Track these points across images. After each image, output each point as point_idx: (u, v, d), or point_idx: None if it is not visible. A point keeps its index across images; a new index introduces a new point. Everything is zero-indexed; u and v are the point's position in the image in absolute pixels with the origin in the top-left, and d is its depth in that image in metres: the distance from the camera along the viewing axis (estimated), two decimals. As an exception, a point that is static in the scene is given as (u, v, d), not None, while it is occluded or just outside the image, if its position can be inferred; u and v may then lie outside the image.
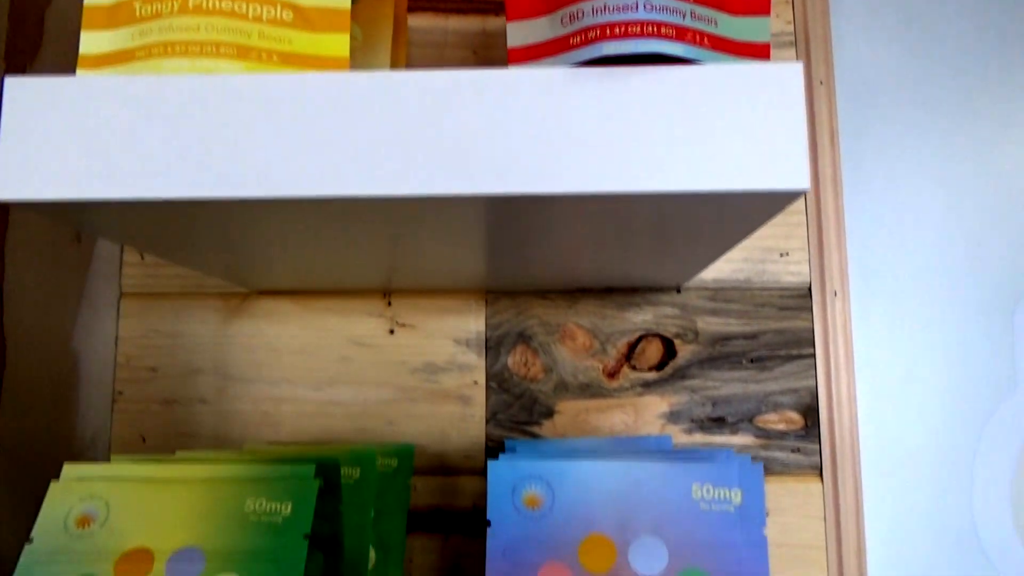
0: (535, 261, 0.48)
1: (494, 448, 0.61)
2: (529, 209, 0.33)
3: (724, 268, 0.62)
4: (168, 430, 0.61)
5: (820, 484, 0.60)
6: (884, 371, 0.64)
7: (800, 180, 0.30)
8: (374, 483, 0.50)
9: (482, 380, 0.61)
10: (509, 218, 0.35)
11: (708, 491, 0.34)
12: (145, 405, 0.61)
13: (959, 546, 0.62)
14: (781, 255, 0.63)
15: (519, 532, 0.35)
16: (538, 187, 0.30)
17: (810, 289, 0.62)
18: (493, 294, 0.62)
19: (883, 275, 0.65)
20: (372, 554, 0.55)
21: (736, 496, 0.34)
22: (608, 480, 0.35)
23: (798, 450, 0.60)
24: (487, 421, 0.61)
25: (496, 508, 0.36)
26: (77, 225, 0.36)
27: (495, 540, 0.35)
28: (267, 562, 0.34)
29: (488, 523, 0.36)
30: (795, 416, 0.61)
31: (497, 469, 0.36)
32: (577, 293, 0.62)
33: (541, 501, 0.35)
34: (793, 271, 0.63)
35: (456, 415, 0.61)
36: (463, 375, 0.61)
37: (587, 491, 0.35)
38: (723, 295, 0.62)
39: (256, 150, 0.31)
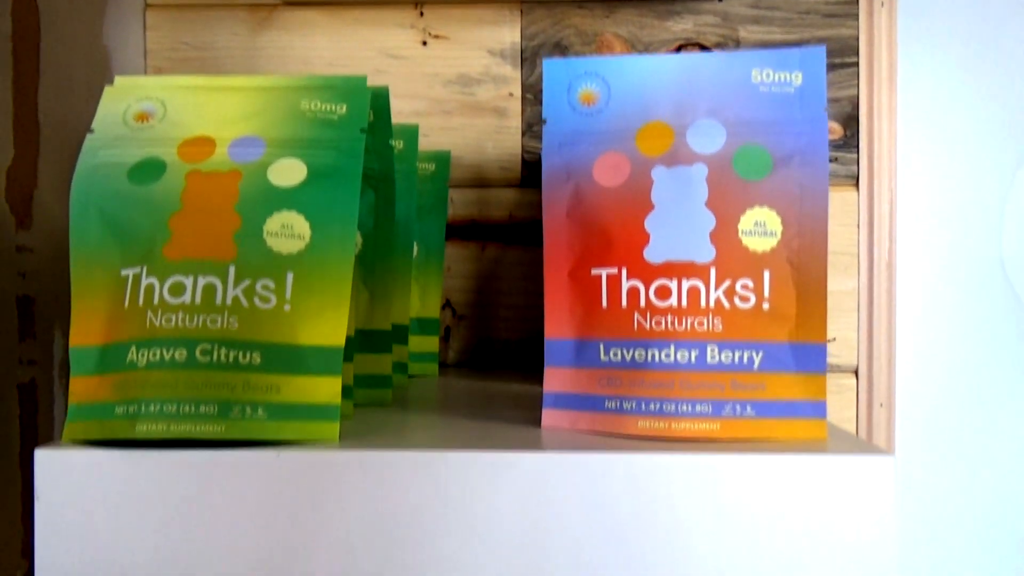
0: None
1: (530, 160, 0.61)
2: None
3: (768, -25, 0.60)
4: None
5: (856, 193, 0.60)
6: (926, 87, 0.63)
7: None
8: (415, 154, 0.50)
9: (518, 92, 0.61)
10: None
11: (768, 75, 0.34)
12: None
13: (986, 281, 0.63)
14: (828, -39, 0.60)
15: (575, 128, 0.35)
16: None
17: (857, -3, 0.60)
18: (528, 3, 0.60)
19: (932, -10, 0.63)
20: (415, 247, 0.56)
21: (797, 78, 0.34)
22: (666, 72, 0.35)
23: (836, 159, 0.60)
24: (523, 133, 0.61)
25: (551, 106, 0.36)
26: None
27: (551, 137, 0.35)
28: (327, 149, 0.34)
29: (544, 121, 0.36)
30: (835, 126, 0.60)
31: (552, 68, 0.36)
32: (615, 1, 0.60)
33: (596, 97, 0.35)
34: (840, -22, 0.60)
35: (491, 127, 0.61)
36: (498, 87, 0.61)
37: (644, 83, 0.35)
38: (766, 1, 0.60)
39: None
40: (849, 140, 0.60)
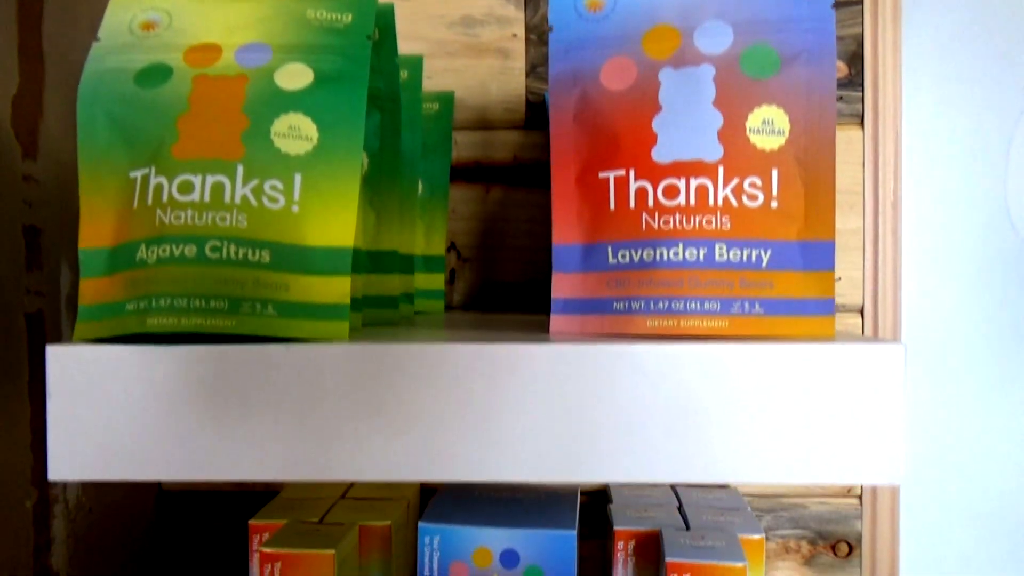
0: None
1: (535, 101, 0.61)
2: None
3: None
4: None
5: (861, 132, 0.60)
6: (931, 25, 0.63)
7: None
8: (420, 84, 0.50)
9: (521, 33, 0.60)
10: None
11: None
12: None
13: (990, 221, 0.63)
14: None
15: (581, 34, 0.35)
16: None
17: (861, -66, 0.60)
18: (531, -57, 0.60)
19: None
20: (420, 185, 0.57)
21: None
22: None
23: (840, 98, 0.60)
24: (527, 74, 0.61)
25: (558, 13, 0.36)
26: None
27: (557, 44, 0.35)
28: (333, 55, 0.34)
29: (550, 28, 0.36)
30: (839, 64, 0.60)
31: None
32: (618, -59, 0.60)
33: (602, 3, 0.35)
34: (844, -84, 0.60)
35: (496, 68, 0.61)
36: (502, 28, 0.60)
37: (651, -13, 0.35)
38: (770, -61, 0.59)
39: None
40: (854, 79, 0.60)
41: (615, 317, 0.33)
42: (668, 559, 0.44)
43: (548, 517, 0.40)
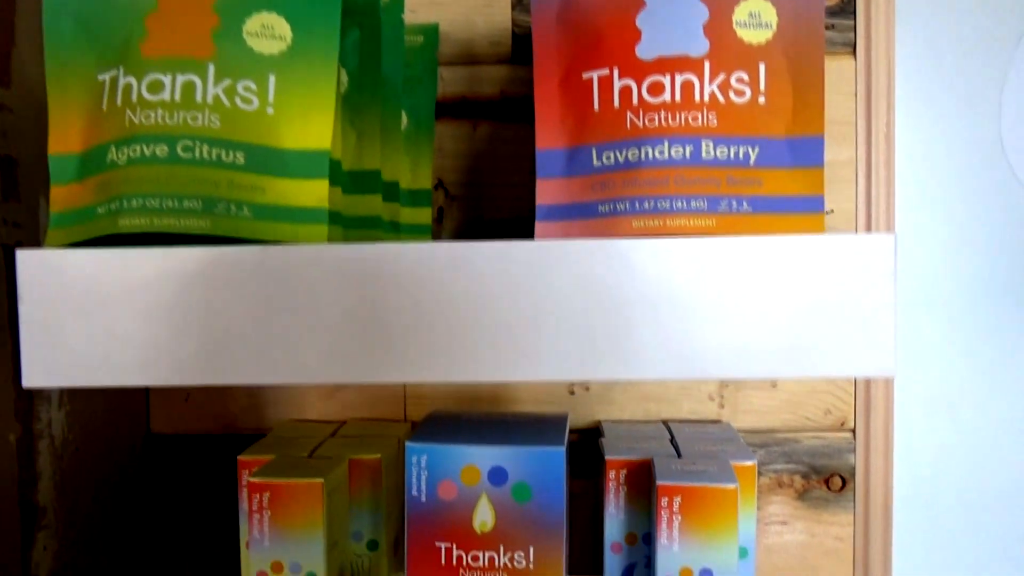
0: None
1: (521, 34, 0.60)
2: None
3: None
4: None
5: (853, 62, 0.59)
6: (925, -46, 0.61)
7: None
8: (402, 5, 0.49)
9: (506, -36, 0.59)
10: None
11: None
12: None
13: (985, 157, 0.62)
14: None
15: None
16: None
17: None
18: None
19: None
20: (404, 117, 0.55)
21: None
22: None
23: (832, 27, 0.59)
24: (513, 7, 0.59)
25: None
26: None
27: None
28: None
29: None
30: (831, -8, 0.59)
31: None
32: None
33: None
34: None
35: (480, 1, 0.59)
36: (486, -41, 0.59)
37: None
38: None
39: None
40: (846, 7, 0.59)
41: (600, 220, 0.33)
42: (659, 482, 0.44)
43: (536, 436, 0.39)
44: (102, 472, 0.54)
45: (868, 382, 0.60)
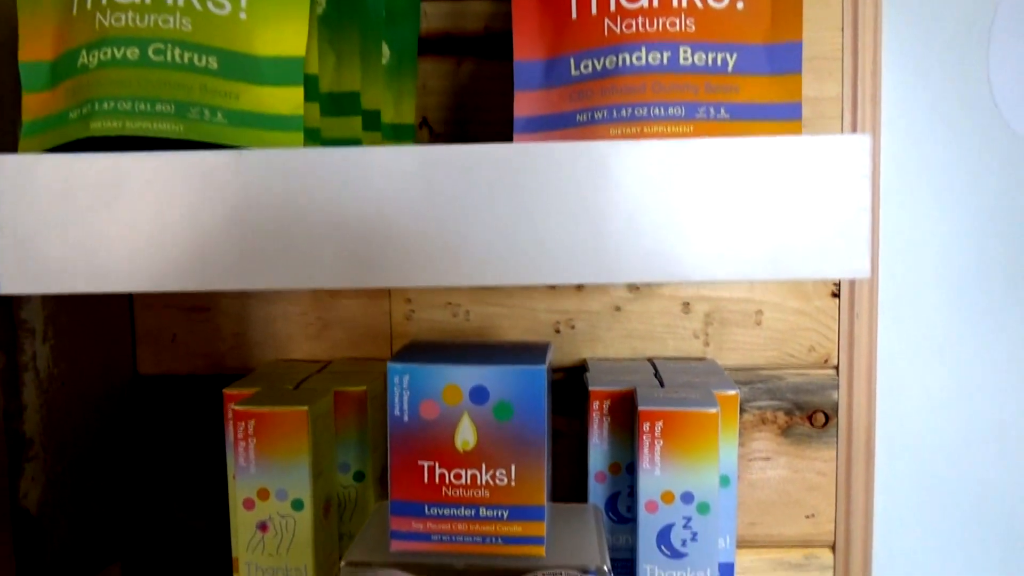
0: None
1: (505, -32, 0.59)
2: None
3: None
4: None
5: (840, -4, 0.58)
6: None
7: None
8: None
9: None
10: None
11: None
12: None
13: (973, 96, 0.62)
14: None
15: None
16: None
17: None
18: None
19: None
20: (386, 50, 0.55)
21: None
22: None
23: (819, -40, 0.58)
24: (496, -60, 0.59)
25: None
26: None
27: None
28: None
29: None
30: (818, -76, 0.58)
31: None
32: None
33: None
34: None
35: (464, -66, 0.58)
36: None
37: None
38: None
39: None
40: (833, -61, 0.58)
41: (578, 130, 0.32)
42: (641, 408, 0.44)
43: (517, 358, 0.39)
44: (89, 408, 0.55)
45: (852, 319, 0.60)
